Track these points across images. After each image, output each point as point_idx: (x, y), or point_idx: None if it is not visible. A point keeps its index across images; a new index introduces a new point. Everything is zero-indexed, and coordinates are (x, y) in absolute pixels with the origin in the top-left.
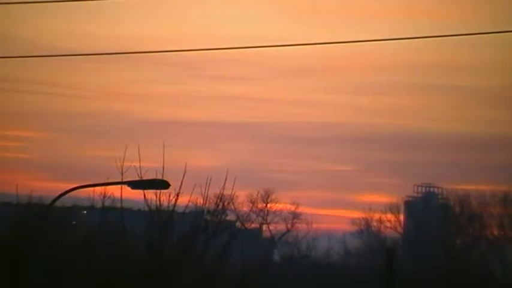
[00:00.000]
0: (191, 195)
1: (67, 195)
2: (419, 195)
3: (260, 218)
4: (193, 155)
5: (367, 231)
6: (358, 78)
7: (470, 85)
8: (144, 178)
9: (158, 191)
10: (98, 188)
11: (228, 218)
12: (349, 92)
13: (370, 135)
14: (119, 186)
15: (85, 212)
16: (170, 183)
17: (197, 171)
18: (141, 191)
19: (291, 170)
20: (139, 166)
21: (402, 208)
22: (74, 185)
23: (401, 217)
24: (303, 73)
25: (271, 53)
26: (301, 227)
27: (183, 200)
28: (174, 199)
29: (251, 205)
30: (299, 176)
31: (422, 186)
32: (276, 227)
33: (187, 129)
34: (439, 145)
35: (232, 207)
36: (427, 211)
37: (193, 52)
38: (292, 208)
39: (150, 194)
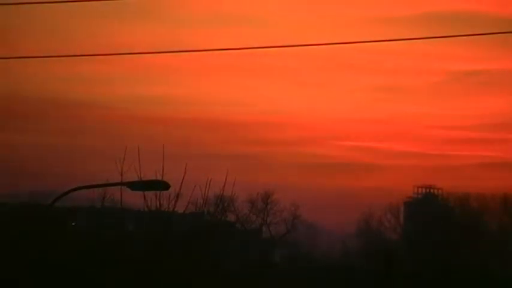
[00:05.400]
0: (191, 196)
1: (66, 196)
2: (419, 196)
3: (260, 219)
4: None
5: (366, 232)
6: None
7: None
8: (144, 179)
9: (158, 192)
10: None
11: (228, 219)
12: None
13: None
14: (119, 187)
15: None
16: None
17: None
18: (141, 192)
19: (291, 169)
20: (139, 167)
21: (402, 209)
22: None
23: (401, 218)
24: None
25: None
26: (300, 227)
27: (183, 201)
28: (174, 200)
29: (251, 206)
30: (299, 176)
31: (422, 188)
32: (276, 228)
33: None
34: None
35: (232, 208)
36: (426, 212)
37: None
38: (292, 209)
39: (150, 195)
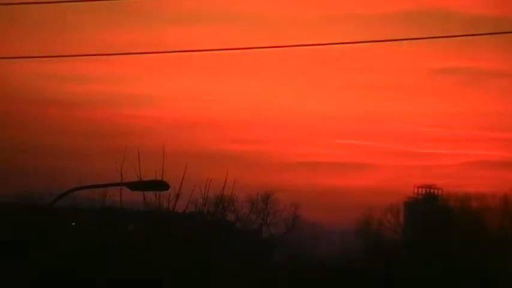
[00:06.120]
0: (191, 196)
1: (66, 196)
2: (420, 196)
3: (260, 219)
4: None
5: (366, 232)
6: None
7: None
8: (144, 179)
9: (158, 192)
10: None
11: (228, 219)
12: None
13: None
14: (119, 187)
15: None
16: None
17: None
18: (141, 192)
19: (291, 168)
20: (139, 167)
21: (402, 209)
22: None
23: (401, 218)
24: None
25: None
26: (300, 227)
27: (183, 201)
28: (174, 200)
29: (251, 206)
30: (299, 175)
31: (422, 188)
32: (276, 228)
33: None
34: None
35: (232, 208)
36: (426, 212)
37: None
38: (292, 209)
39: (150, 195)
